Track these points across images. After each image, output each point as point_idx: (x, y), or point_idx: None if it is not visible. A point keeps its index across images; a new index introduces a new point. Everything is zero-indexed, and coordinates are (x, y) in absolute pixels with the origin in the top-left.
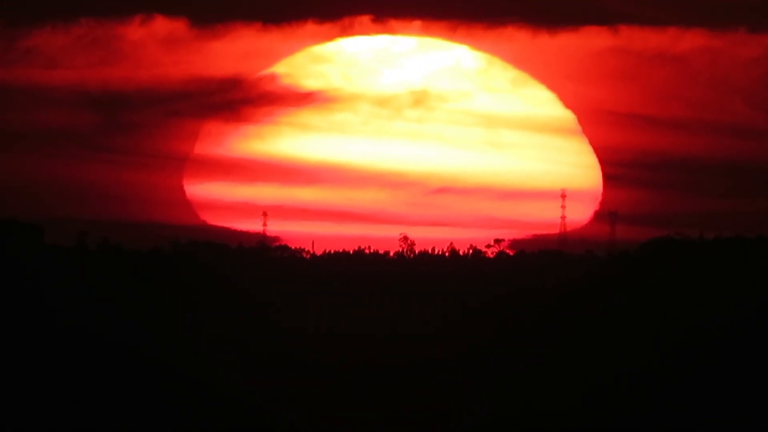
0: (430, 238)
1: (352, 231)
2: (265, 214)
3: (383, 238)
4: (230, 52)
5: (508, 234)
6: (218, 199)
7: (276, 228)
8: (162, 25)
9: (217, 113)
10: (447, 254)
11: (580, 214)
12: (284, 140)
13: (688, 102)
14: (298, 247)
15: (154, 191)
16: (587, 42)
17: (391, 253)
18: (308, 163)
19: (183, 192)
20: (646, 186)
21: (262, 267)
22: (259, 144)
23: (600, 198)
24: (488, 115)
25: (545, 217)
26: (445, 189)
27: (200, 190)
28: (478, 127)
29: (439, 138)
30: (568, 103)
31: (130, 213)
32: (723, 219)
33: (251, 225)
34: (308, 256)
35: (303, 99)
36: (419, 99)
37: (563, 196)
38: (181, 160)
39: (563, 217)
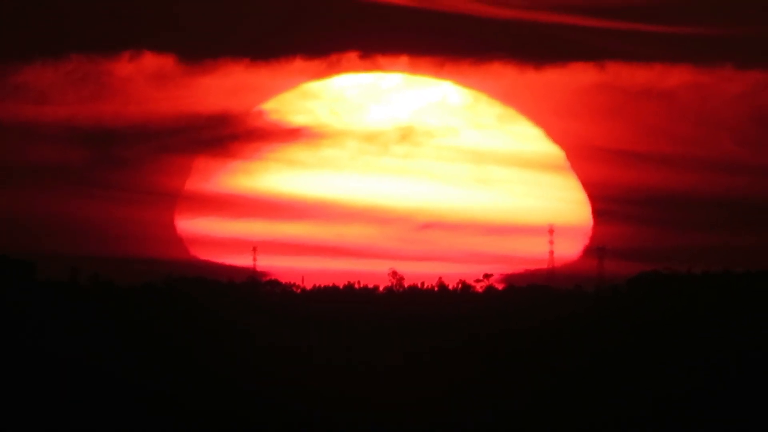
0: (419, 272)
1: (341, 266)
2: (254, 250)
3: (372, 272)
4: (218, 88)
5: (498, 269)
6: (208, 234)
7: (266, 263)
8: (150, 62)
9: (206, 149)
10: (436, 289)
11: (569, 250)
12: (272, 176)
13: (675, 138)
14: (288, 282)
15: (144, 227)
16: (574, 78)
17: (381, 288)
18: (296, 198)
19: (174, 227)
20: (633, 221)
21: (253, 302)
22: (248, 179)
23: (590, 233)
24: (475, 150)
25: (534, 253)
26: (433, 224)
27: (190, 225)
28: (466, 163)
29: (427, 173)
30: (555, 139)
31: (121, 248)
32: (711, 254)
33: (241, 260)
34: (299, 290)
35: (291, 135)
36: (406, 135)
37: (551, 231)
38: (172, 195)
39: (551, 252)
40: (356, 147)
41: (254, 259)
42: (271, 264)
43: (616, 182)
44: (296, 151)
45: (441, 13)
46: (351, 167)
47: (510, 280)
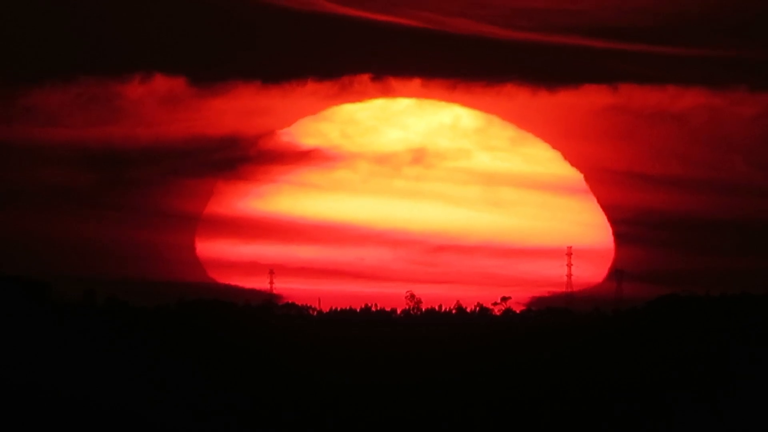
0: (435, 295)
1: (357, 288)
2: (272, 273)
3: (388, 295)
4: (230, 111)
5: (515, 292)
6: (226, 257)
7: (281, 285)
8: (161, 84)
9: (217, 171)
10: (454, 312)
11: (589, 273)
12: (285, 198)
13: (688, 160)
14: (304, 304)
15: (157, 248)
16: (587, 100)
17: (398, 311)
18: (309, 221)
19: (191, 250)
20: (650, 244)
21: (269, 324)
22: (262, 202)
23: (611, 256)
24: (488, 173)
25: (552, 275)
26: (448, 247)
27: (209, 248)
28: (479, 185)
29: (440, 196)
30: (571, 162)
31: (137, 270)
32: (729, 276)
33: (258, 283)
34: (315, 313)
35: (303, 157)
36: (418, 157)
37: (569, 253)
38: (184, 217)
39: (569, 275)
40: (368, 169)
41: (271, 282)
42: (286, 286)
43: (629, 204)
44: (309, 174)
45: (453, 36)
46: (363, 190)
47: (528, 302)
